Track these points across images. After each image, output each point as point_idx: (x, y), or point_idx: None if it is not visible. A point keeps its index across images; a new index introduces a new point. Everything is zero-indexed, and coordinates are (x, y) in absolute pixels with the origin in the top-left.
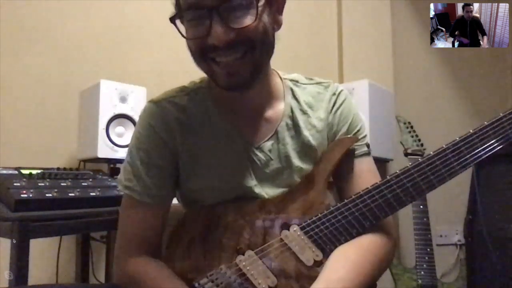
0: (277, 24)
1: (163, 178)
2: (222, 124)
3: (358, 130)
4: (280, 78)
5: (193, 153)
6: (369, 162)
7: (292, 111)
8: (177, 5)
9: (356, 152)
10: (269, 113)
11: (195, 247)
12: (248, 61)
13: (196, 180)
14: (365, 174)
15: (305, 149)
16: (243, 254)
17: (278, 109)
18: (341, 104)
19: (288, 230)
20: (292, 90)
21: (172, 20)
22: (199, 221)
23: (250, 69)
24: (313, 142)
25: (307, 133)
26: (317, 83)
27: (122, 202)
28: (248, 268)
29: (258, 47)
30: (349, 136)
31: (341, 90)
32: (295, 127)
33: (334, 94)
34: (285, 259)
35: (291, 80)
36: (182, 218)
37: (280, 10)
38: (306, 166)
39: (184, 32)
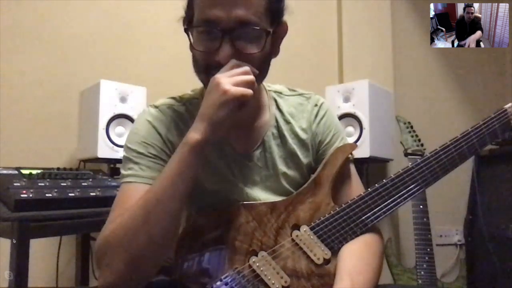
0: (275, 53)
1: (159, 165)
2: None
3: (342, 139)
4: (265, 89)
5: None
6: (354, 166)
7: (276, 121)
8: (189, 15)
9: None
10: (256, 123)
11: (208, 251)
12: None
13: None
14: (354, 177)
15: (290, 157)
16: (256, 256)
17: (264, 119)
18: (323, 115)
19: (299, 230)
20: (275, 100)
21: (185, 26)
22: (211, 225)
23: None
24: (297, 150)
25: (291, 142)
26: (299, 95)
27: (118, 193)
28: (262, 269)
29: (256, 74)
30: (350, 143)
31: (323, 102)
32: (280, 136)
33: (316, 105)
34: (297, 259)
35: (275, 92)
36: (193, 222)
37: (280, 41)
38: (291, 172)
39: (193, 43)
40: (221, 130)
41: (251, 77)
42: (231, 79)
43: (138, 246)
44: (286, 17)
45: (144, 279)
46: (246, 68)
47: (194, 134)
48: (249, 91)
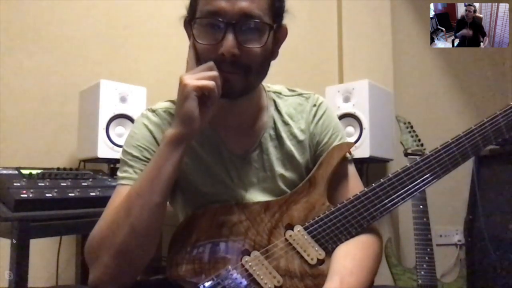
0: (274, 55)
1: None
2: (211, 136)
3: (341, 139)
4: (265, 90)
5: (183, 159)
6: (354, 167)
7: (274, 123)
8: (192, 9)
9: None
10: (254, 125)
11: (200, 250)
12: (242, 79)
13: (186, 184)
14: (353, 178)
15: (287, 158)
16: (249, 255)
17: (262, 121)
18: (322, 115)
19: (292, 230)
20: (275, 101)
21: (186, 23)
22: (204, 223)
23: (242, 85)
24: (294, 151)
25: (289, 143)
26: (299, 95)
27: (112, 195)
28: (254, 268)
29: (254, 71)
30: (347, 142)
31: (322, 102)
32: (278, 138)
33: (314, 105)
34: (290, 259)
35: (275, 92)
36: (185, 221)
37: (280, 44)
38: (288, 174)
39: (195, 36)
40: (193, 123)
41: (213, 73)
42: (193, 75)
43: (121, 239)
44: (288, 17)
45: (131, 273)
46: (210, 63)
47: (170, 129)
48: (210, 83)
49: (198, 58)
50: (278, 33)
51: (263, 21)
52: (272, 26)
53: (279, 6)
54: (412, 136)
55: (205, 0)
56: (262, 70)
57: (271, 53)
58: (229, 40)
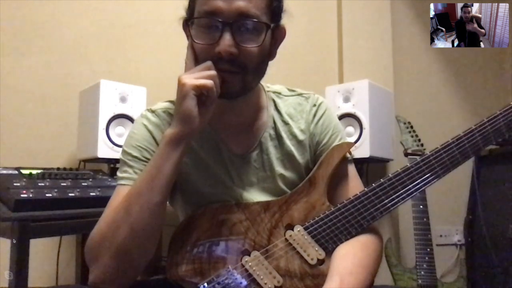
0: (272, 56)
1: None
2: (210, 136)
3: (341, 139)
4: (264, 90)
5: (182, 159)
6: (354, 167)
7: (274, 122)
8: (190, 9)
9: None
10: (253, 124)
11: (200, 250)
12: (240, 79)
13: (186, 184)
14: (353, 178)
15: (287, 158)
16: (249, 255)
17: (262, 120)
18: (322, 115)
19: (292, 230)
20: (274, 101)
21: (185, 23)
22: (204, 223)
23: (240, 85)
24: (294, 151)
25: (288, 143)
26: (299, 95)
27: (112, 195)
28: (254, 268)
29: (251, 71)
30: (347, 142)
31: (322, 102)
32: (277, 138)
33: (314, 105)
34: (290, 259)
35: (274, 92)
36: (185, 220)
37: (278, 44)
38: (288, 174)
39: (193, 36)
40: (192, 122)
41: (211, 72)
42: (191, 75)
43: (121, 239)
44: (287, 17)
45: (131, 273)
46: (208, 62)
47: (169, 129)
48: (208, 82)
49: (196, 58)
50: (276, 33)
51: (260, 20)
52: (270, 26)
53: (277, 6)
54: (412, 136)
55: (203, 0)
56: (259, 70)
57: (269, 53)
58: (226, 39)
